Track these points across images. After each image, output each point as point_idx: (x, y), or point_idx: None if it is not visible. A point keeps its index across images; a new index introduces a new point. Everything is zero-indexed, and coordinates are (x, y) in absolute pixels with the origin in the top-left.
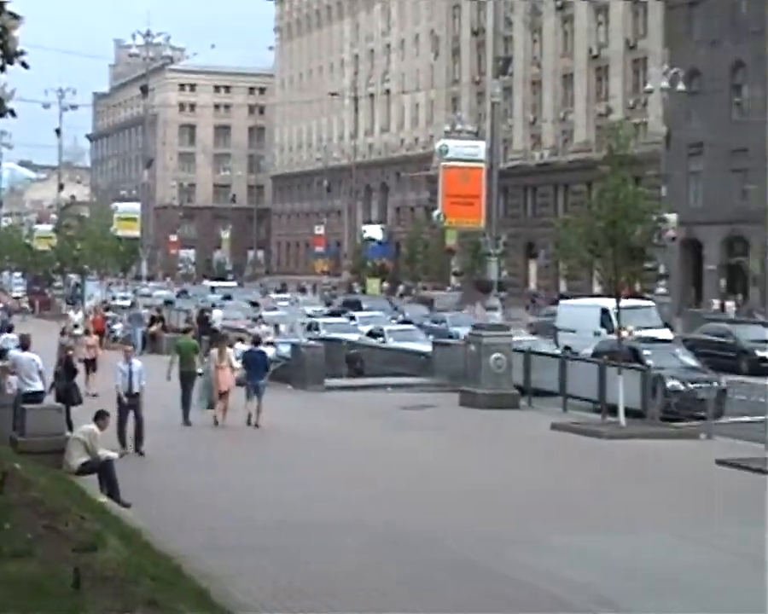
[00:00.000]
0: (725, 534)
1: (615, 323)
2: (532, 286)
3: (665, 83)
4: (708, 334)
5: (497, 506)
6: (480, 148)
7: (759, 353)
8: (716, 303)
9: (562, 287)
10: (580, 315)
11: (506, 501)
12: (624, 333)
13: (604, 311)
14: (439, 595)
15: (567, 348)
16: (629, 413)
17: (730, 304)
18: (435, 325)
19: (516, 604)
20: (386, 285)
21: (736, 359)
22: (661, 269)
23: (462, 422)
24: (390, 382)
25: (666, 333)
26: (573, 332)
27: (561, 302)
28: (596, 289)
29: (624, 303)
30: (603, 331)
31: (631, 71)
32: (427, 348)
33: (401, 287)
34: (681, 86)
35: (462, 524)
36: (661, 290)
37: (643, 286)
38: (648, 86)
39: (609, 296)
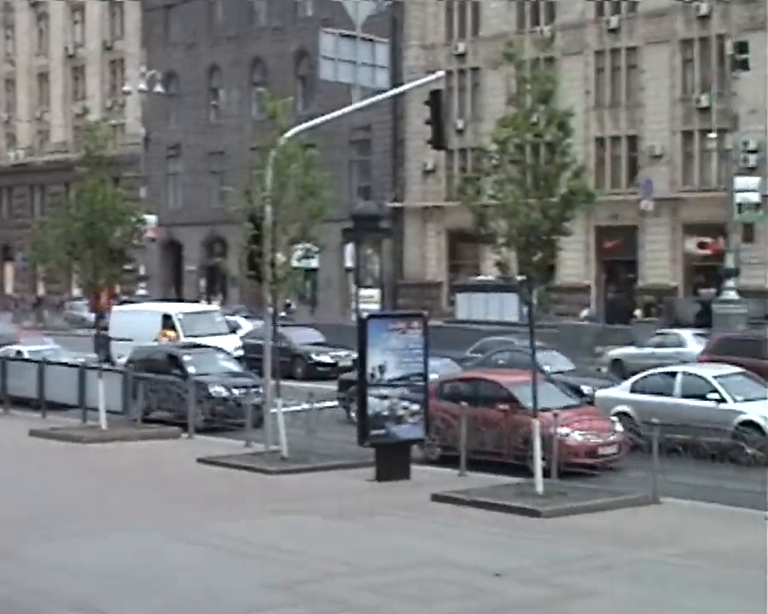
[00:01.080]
0: (211, 530)
1: (180, 330)
2: (10, 289)
3: (142, 85)
4: (260, 338)
5: None
6: None
7: (315, 357)
8: (203, 303)
9: (41, 290)
10: (139, 323)
11: None
12: (164, 339)
13: (166, 317)
14: None
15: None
16: (113, 415)
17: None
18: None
19: None
20: None
21: (290, 364)
22: (141, 271)
23: None
24: None
25: (231, 340)
26: (131, 340)
27: (115, 308)
28: (76, 292)
29: (188, 308)
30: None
31: (108, 71)
32: None
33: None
34: (159, 88)
35: None
36: (142, 291)
37: (123, 288)
38: (126, 87)
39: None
